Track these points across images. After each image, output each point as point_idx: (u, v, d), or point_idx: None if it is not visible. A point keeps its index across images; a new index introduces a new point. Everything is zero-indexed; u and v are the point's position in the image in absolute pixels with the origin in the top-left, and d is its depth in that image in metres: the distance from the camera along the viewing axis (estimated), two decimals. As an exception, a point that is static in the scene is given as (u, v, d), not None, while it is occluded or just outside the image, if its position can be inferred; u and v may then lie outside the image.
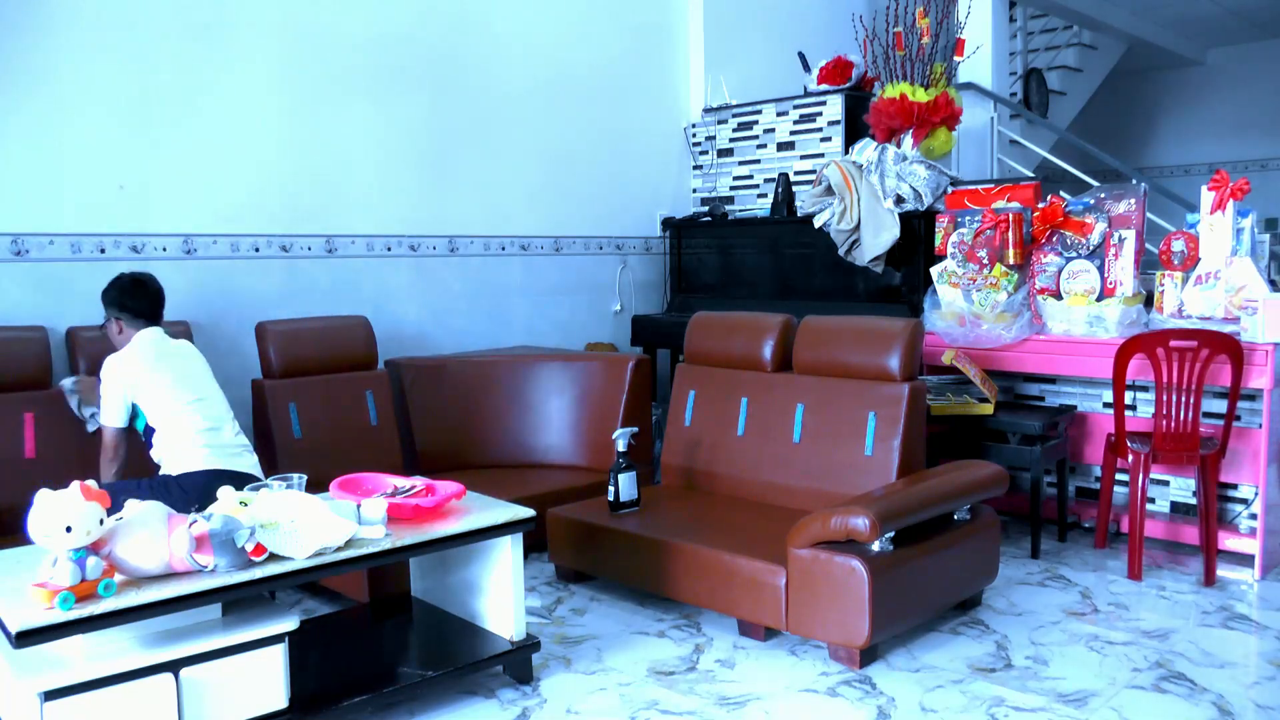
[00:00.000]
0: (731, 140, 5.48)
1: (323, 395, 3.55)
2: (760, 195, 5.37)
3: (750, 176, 5.42)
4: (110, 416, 3.02)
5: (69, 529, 2.00)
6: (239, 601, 2.35)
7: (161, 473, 2.99)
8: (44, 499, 2.03)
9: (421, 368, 4.09)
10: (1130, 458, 3.60)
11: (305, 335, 3.60)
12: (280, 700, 2.34)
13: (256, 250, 4.01)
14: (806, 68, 5.40)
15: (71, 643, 2.11)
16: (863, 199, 4.39)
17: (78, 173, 3.56)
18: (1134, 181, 4.62)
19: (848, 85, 5.13)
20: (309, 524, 2.36)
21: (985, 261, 4.02)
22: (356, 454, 3.44)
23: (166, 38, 3.73)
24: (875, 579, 2.72)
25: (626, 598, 3.42)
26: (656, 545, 3.15)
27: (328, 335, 3.66)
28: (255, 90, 3.97)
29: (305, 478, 2.66)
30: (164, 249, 3.76)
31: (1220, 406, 3.66)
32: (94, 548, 2.07)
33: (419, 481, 2.80)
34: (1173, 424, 3.52)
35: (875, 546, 2.80)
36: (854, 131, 5.04)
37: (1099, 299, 3.84)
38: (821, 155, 5.12)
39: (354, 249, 4.30)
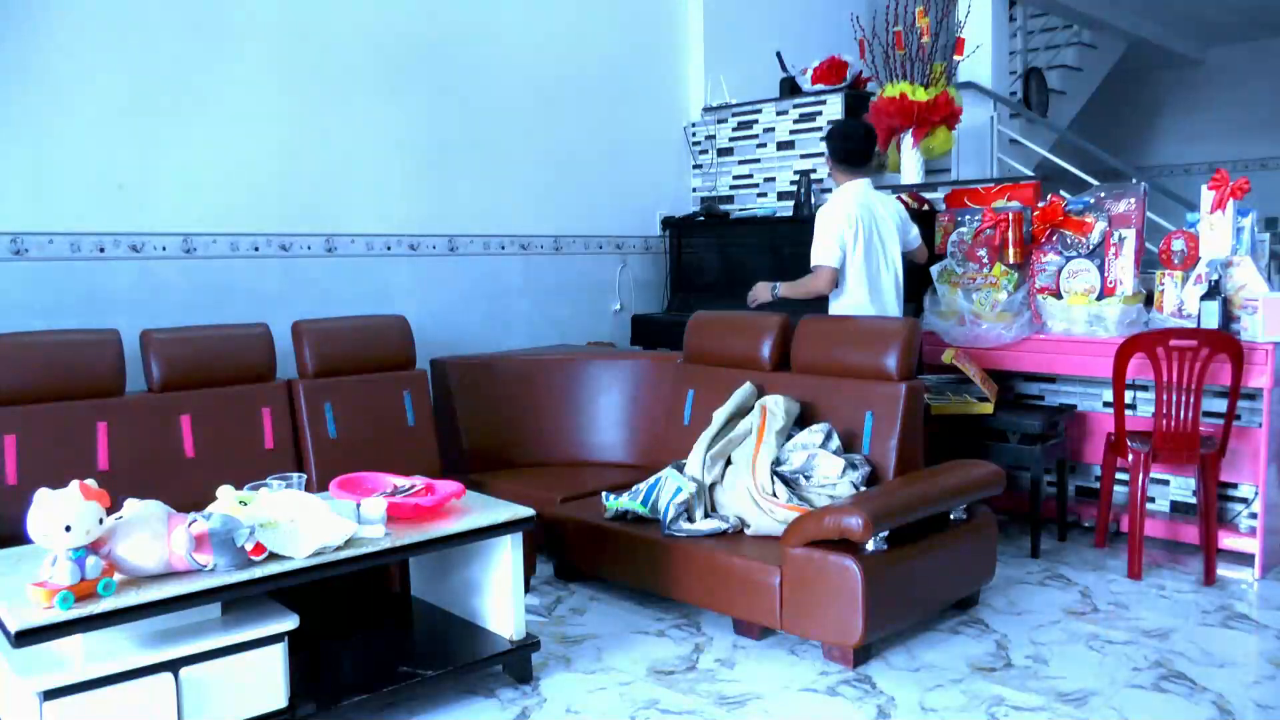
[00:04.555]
0: (731, 139, 5.48)
1: (359, 395, 3.52)
2: (760, 195, 5.37)
3: (750, 176, 5.42)
4: (824, 256, 3.62)
5: (68, 528, 2.00)
6: (238, 601, 2.35)
7: None
8: (43, 498, 2.03)
9: (468, 366, 4.07)
10: (1130, 457, 3.60)
11: (342, 335, 3.58)
12: (280, 700, 2.34)
13: (256, 249, 4.01)
14: (784, 68, 5.41)
15: (71, 642, 2.11)
16: None
17: (77, 172, 3.55)
18: (1134, 181, 4.62)
19: (843, 85, 5.13)
20: (308, 523, 2.36)
21: (985, 261, 4.02)
22: (393, 455, 3.40)
23: (166, 37, 3.72)
24: (868, 578, 2.72)
25: (626, 597, 3.42)
26: (654, 544, 3.15)
27: (365, 335, 3.64)
28: (255, 89, 3.97)
29: (305, 477, 2.67)
30: (164, 248, 3.76)
31: (1220, 406, 3.66)
32: (93, 547, 2.07)
33: (419, 481, 2.80)
34: (1173, 423, 3.52)
35: (869, 546, 2.80)
36: (854, 131, 5.04)
37: (1099, 298, 3.84)
38: (821, 155, 5.11)
39: (354, 248, 4.30)
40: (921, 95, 4.64)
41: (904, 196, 4.64)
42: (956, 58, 4.93)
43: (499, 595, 2.78)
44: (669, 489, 3.20)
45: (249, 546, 2.21)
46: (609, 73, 5.26)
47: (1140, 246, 3.84)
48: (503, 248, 4.86)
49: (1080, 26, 8.06)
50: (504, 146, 4.81)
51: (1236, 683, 2.73)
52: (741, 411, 3.43)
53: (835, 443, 3.22)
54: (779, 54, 5.47)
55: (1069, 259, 3.91)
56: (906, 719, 2.56)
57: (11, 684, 2.08)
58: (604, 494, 3.40)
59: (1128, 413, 3.78)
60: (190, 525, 2.18)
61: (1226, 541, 3.70)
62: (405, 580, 3.15)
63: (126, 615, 2.08)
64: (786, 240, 4.91)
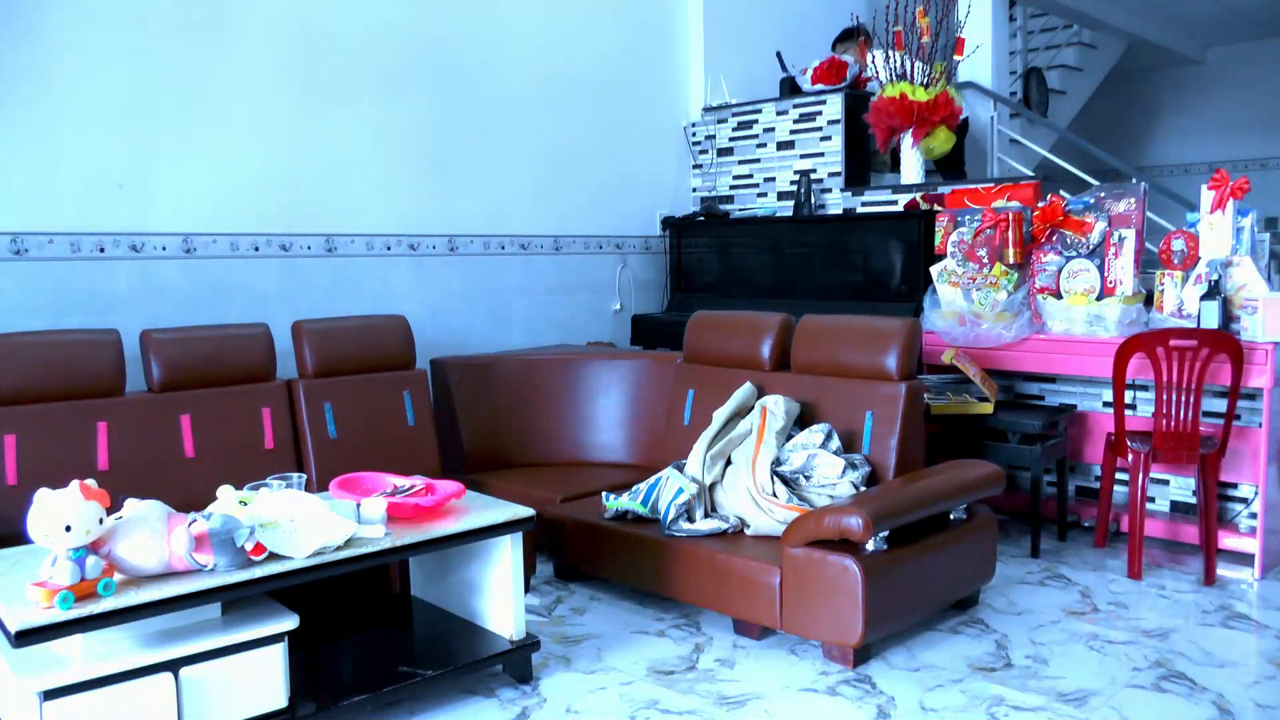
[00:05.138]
0: (731, 139, 5.49)
1: (359, 395, 3.52)
2: (760, 194, 5.38)
3: (750, 175, 5.42)
4: None
5: (68, 528, 2.00)
6: (238, 601, 2.35)
7: None
8: (43, 498, 2.03)
9: (468, 366, 4.07)
10: (1130, 457, 3.60)
11: (342, 334, 3.58)
12: (280, 700, 2.34)
13: (256, 249, 4.01)
14: (784, 68, 5.42)
15: (71, 642, 2.11)
16: None
17: (77, 172, 3.56)
18: (1134, 180, 4.62)
19: (843, 85, 5.13)
20: (308, 523, 2.36)
21: (985, 261, 4.02)
22: (393, 455, 3.42)
23: (166, 36, 3.73)
24: (868, 578, 2.72)
25: (626, 597, 3.42)
26: (654, 544, 3.15)
27: (365, 335, 3.64)
28: (255, 89, 3.97)
29: (305, 477, 2.67)
30: (163, 248, 3.76)
31: (1220, 406, 3.66)
32: (93, 547, 2.07)
33: (419, 481, 2.80)
34: (1173, 423, 3.52)
35: (869, 546, 2.80)
36: (854, 130, 5.05)
37: (1099, 298, 3.84)
38: (821, 155, 5.12)
39: (354, 248, 4.31)
40: (921, 95, 4.64)
41: (917, 197, 4.65)
42: (956, 57, 4.93)
43: (499, 595, 2.78)
44: (670, 489, 3.20)
45: (249, 546, 2.21)
46: (609, 72, 5.26)
47: (1140, 246, 3.84)
48: (503, 248, 4.86)
49: (1080, 26, 8.06)
50: (504, 146, 4.82)
51: (1236, 683, 2.73)
52: (741, 411, 3.43)
53: (835, 443, 3.22)
54: (779, 54, 5.48)
55: (1069, 259, 3.91)
56: (906, 719, 2.56)
57: (11, 684, 2.08)
58: (604, 494, 3.40)
59: (1128, 413, 3.78)
60: (190, 525, 2.18)
61: (1226, 541, 3.70)
62: (405, 580, 3.15)
63: (126, 615, 2.08)
64: (786, 240, 4.92)
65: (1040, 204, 4.02)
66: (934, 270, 4.18)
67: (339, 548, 2.37)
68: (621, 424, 4.06)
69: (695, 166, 5.67)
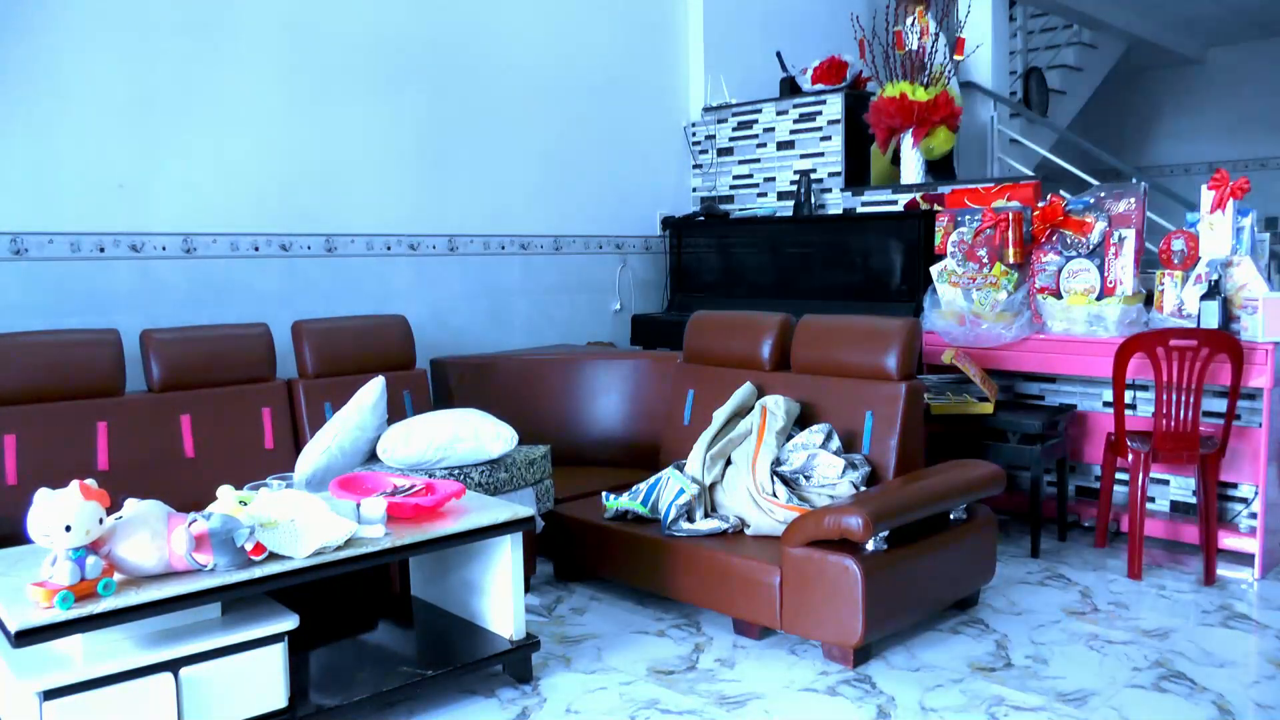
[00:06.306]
0: (731, 139, 5.49)
1: None
2: (760, 194, 5.38)
3: (750, 176, 5.42)
4: None
5: (68, 528, 2.00)
6: (238, 601, 2.35)
7: None
8: (43, 498, 2.03)
9: (468, 366, 4.07)
10: (1130, 457, 3.60)
11: (342, 334, 3.58)
12: (280, 700, 2.34)
13: (256, 249, 4.01)
14: (784, 67, 5.42)
15: (71, 642, 2.11)
16: None
17: (77, 172, 3.56)
18: (1134, 180, 4.62)
19: (844, 84, 5.13)
20: (309, 523, 2.37)
21: (985, 261, 4.02)
22: None
23: (166, 36, 3.73)
24: (868, 578, 2.72)
25: (626, 597, 3.42)
26: (654, 544, 3.16)
27: (365, 335, 3.63)
28: (255, 89, 3.97)
29: (305, 477, 2.67)
30: (163, 248, 3.76)
31: (1220, 406, 3.66)
32: (93, 547, 2.07)
33: (419, 481, 2.80)
34: (1173, 423, 3.52)
35: (869, 546, 2.80)
36: (854, 130, 5.05)
37: (1099, 298, 3.84)
38: (821, 155, 5.12)
39: (354, 248, 4.31)
40: (921, 95, 4.64)
41: (917, 197, 4.65)
42: (957, 57, 4.93)
43: (499, 595, 2.78)
44: (671, 490, 3.20)
45: (249, 546, 2.21)
46: (609, 73, 5.26)
47: (1140, 246, 3.84)
48: (503, 248, 4.86)
49: (1080, 26, 8.07)
50: (504, 146, 4.82)
51: (1236, 683, 2.73)
52: (741, 411, 3.43)
53: (835, 443, 3.22)
54: (779, 54, 5.48)
55: (1069, 259, 3.91)
56: (906, 719, 2.56)
57: (11, 684, 2.08)
58: (604, 494, 3.40)
59: (1128, 413, 3.78)
60: (190, 525, 2.18)
61: (1226, 541, 3.70)
62: (405, 580, 3.15)
63: (126, 615, 2.08)
64: (786, 240, 4.92)
65: (1040, 204, 4.02)
66: (934, 270, 4.18)
67: (339, 548, 2.37)
68: (622, 424, 4.06)
69: (695, 166, 5.67)
